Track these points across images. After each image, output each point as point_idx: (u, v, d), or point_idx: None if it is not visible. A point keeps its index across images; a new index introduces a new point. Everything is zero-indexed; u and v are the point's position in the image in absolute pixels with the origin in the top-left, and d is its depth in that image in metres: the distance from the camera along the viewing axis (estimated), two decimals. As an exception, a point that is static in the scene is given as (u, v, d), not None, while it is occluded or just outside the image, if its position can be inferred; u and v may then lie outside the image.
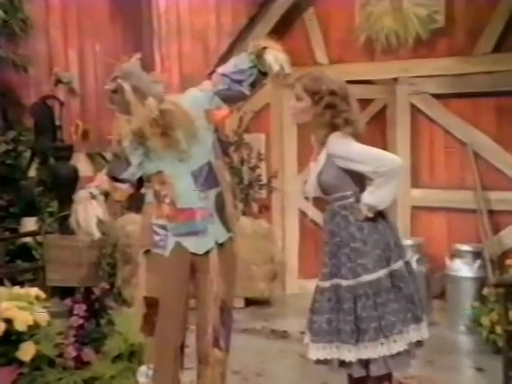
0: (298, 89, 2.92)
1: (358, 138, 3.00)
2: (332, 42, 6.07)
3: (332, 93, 2.90)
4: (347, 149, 2.90)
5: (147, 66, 3.10)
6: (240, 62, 3.08)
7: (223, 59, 5.63)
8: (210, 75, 3.16)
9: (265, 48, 3.06)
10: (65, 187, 4.79)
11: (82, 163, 5.53)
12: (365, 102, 6.19)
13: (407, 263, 2.99)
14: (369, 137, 6.92)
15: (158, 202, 3.03)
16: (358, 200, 2.92)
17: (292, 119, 3.02)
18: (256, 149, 6.20)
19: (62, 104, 5.21)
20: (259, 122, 6.39)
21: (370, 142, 6.88)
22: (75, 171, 4.94)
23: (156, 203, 3.04)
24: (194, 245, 3.03)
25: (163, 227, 3.02)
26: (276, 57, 3.05)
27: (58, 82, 5.36)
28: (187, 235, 3.02)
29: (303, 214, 6.16)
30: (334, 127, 2.90)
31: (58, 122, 5.18)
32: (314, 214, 3.57)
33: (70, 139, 5.51)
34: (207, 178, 3.02)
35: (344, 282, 2.88)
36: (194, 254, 3.04)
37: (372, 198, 2.88)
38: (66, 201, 4.60)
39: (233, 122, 6.10)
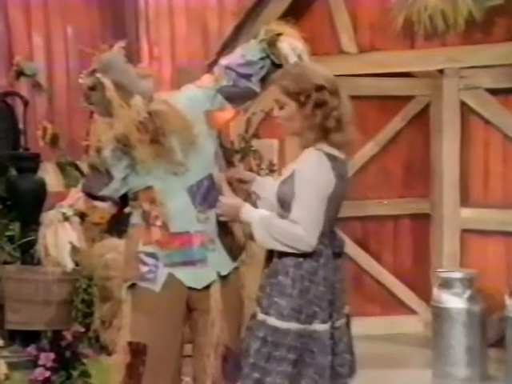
0: (278, 93, 2.99)
1: (348, 149, 3.03)
2: (362, 25, 6.12)
3: (319, 88, 2.93)
4: (305, 178, 2.91)
5: (132, 55, 3.16)
6: (248, 51, 3.14)
7: (227, 47, 5.69)
8: (210, 67, 3.22)
9: (279, 34, 3.13)
10: (29, 206, 4.85)
11: (50, 176, 5.59)
12: (403, 100, 6.26)
13: (336, 327, 3.00)
14: (407, 144, 6.92)
15: (147, 225, 3.08)
16: None
17: (282, 132, 3.05)
18: (267, 158, 6.26)
19: (25, 102, 5.28)
20: (271, 125, 6.42)
21: (409, 151, 6.87)
22: (42, 186, 5.00)
23: (144, 226, 3.09)
24: (190, 277, 3.08)
25: (153, 255, 3.07)
26: (293, 45, 3.11)
27: (20, 74, 5.44)
28: (183, 265, 3.06)
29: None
30: (324, 131, 2.95)
31: (20, 125, 5.25)
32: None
33: (36, 146, 5.57)
34: (207, 195, 3.08)
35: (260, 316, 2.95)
36: (191, 289, 3.09)
37: (266, 231, 2.91)
38: (31, 223, 4.67)
39: (238, 124, 6.16)
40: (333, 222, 3.02)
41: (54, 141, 5.72)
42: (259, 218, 2.94)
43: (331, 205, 2.95)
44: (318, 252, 2.95)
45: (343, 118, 2.95)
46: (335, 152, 2.96)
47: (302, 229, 2.88)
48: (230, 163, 3.52)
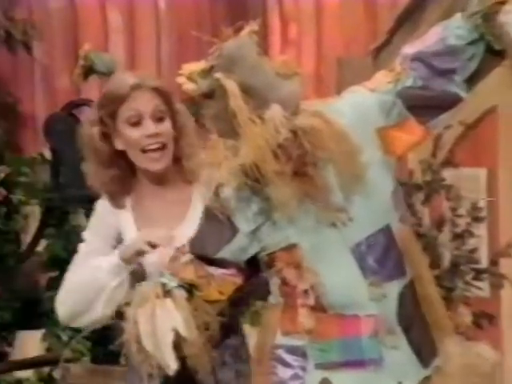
0: None
1: None
2: None
3: None
4: None
5: (262, 41, 3.24)
6: (451, 31, 3.16)
7: (405, 21, 5.74)
8: (377, 52, 3.24)
9: (502, 2, 3.13)
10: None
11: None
12: None
13: None
14: None
15: (290, 304, 3.17)
16: None
17: None
18: (468, 198, 6.26)
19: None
20: (475, 146, 6.43)
21: None
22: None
23: (285, 306, 3.19)
24: (357, 387, 3.16)
25: (298, 351, 3.16)
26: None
27: (90, 71, 5.65)
28: (344, 367, 3.13)
29: None
30: None
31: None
32: None
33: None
34: (384, 259, 3.14)
35: None
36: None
37: None
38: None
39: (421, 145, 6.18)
40: None
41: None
42: None
43: None
44: None
45: None
46: None
47: None
48: (407, 206, 3.54)
